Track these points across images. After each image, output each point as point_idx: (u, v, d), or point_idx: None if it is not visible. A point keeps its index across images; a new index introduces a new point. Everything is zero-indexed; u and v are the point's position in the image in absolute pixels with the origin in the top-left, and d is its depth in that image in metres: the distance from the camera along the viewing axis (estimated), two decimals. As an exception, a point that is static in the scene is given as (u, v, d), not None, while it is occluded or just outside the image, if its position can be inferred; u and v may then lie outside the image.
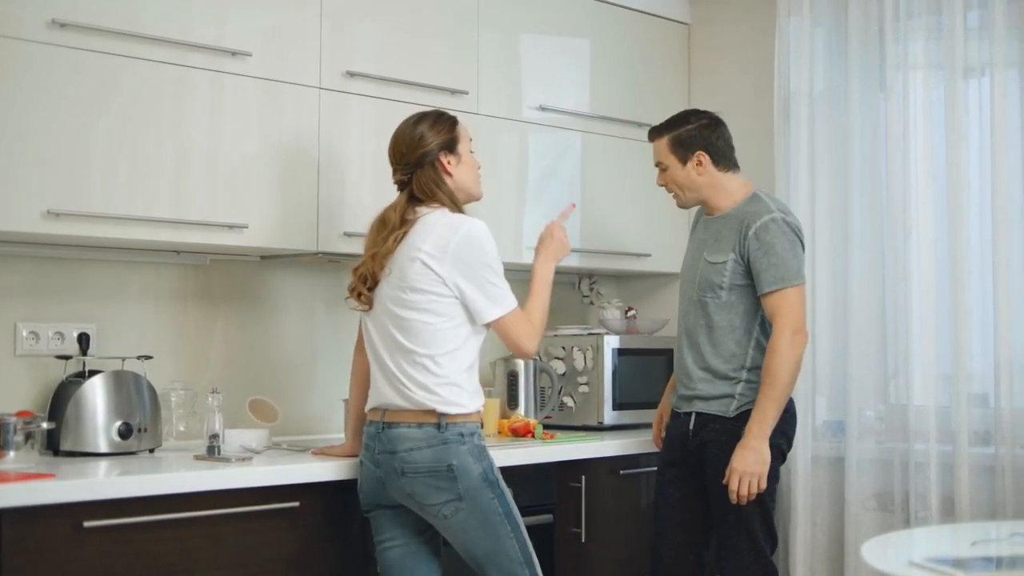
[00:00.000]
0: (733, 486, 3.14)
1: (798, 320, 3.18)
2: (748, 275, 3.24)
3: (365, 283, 2.90)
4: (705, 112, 3.40)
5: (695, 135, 3.32)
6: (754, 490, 3.14)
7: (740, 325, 3.26)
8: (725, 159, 3.35)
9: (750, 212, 3.26)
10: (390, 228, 2.89)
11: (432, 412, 2.82)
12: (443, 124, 2.95)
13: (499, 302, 2.87)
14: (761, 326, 3.28)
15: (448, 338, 2.85)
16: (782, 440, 3.29)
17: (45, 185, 2.88)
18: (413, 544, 2.94)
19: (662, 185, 3.42)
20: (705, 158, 3.31)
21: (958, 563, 2.24)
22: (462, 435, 2.84)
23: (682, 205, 3.44)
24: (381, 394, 2.90)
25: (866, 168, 3.76)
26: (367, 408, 2.97)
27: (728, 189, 3.33)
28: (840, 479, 3.74)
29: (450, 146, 2.94)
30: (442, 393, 2.84)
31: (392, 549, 2.93)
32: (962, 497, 3.48)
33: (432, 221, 2.87)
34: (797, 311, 3.19)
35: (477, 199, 3.03)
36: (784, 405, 3.18)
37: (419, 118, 2.97)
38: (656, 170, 3.42)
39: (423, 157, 2.91)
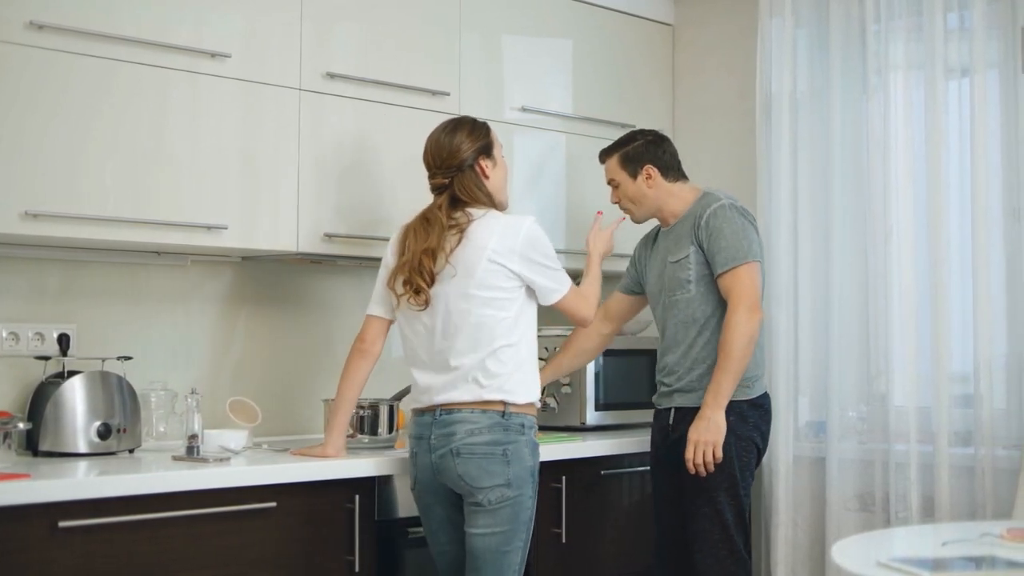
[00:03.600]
0: (689, 455, 3.24)
1: (752, 297, 3.28)
2: (709, 264, 3.36)
3: (423, 277, 2.95)
4: (650, 131, 3.58)
5: (642, 151, 3.49)
6: (709, 458, 3.23)
7: (713, 316, 3.35)
8: (673, 171, 3.51)
9: (701, 205, 3.41)
10: (439, 227, 2.98)
11: (499, 401, 2.94)
12: (479, 130, 3.10)
13: (562, 283, 3.09)
14: None
15: (514, 330, 2.99)
16: (755, 434, 3.36)
17: (23, 186, 2.89)
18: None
19: (616, 203, 3.56)
20: (654, 171, 3.47)
21: (925, 563, 2.25)
22: (523, 426, 2.97)
23: (636, 220, 3.58)
24: (432, 392, 2.96)
25: (847, 168, 3.77)
26: (412, 407, 3.04)
27: (679, 196, 3.48)
28: (821, 479, 3.75)
29: (487, 151, 3.08)
30: (512, 382, 2.96)
31: (449, 552, 3.03)
32: (942, 497, 3.48)
33: (490, 222, 3.00)
34: (750, 288, 3.29)
35: (506, 202, 3.16)
36: (739, 378, 3.27)
37: (455, 126, 3.10)
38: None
39: (463, 162, 3.03)
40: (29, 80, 2.90)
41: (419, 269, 2.96)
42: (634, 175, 3.48)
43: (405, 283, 2.98)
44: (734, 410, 3.30)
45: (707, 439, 3.23)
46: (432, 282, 2.96)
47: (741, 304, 3.25)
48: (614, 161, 3.52)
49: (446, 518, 3.02)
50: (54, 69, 2.93)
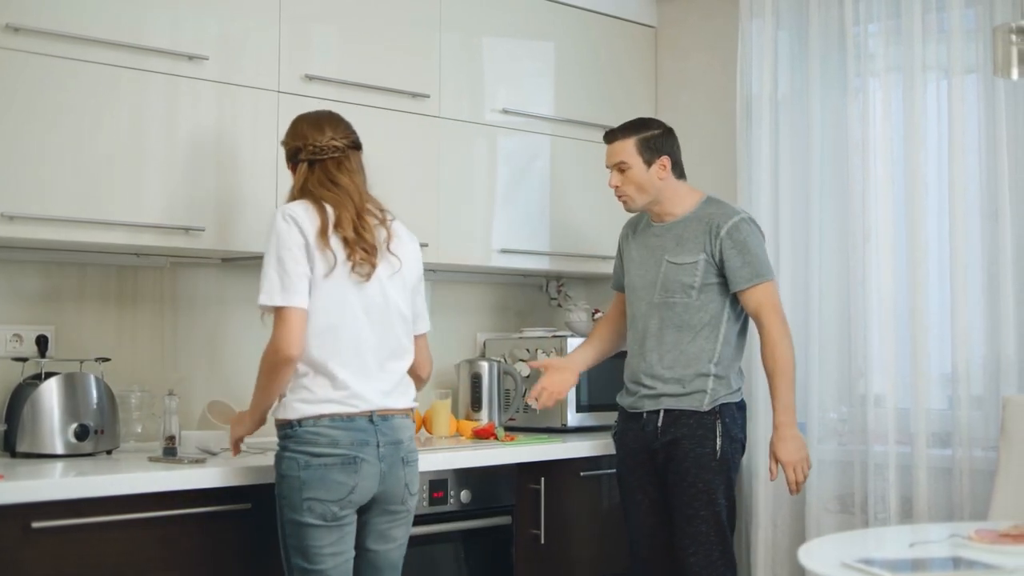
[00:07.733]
0: (790, 476, 3.32)
1: (782, 311, 3.37)
2: (719, 274, 3.34)
3: (370, 235, 2.79)
4: (660, 121, 3.53)
5: (661, 140, 3.44)
6: (807, 471, 3.35)
7: (710, 323, 3.35)
8: (679, 167, 3.48)
9: (715, 214, 3.37)
10: (357, 191, 2.83)
11: (413, 408, 2.94)
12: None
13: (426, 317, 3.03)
14: (728, 323, 3.37)
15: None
16: (742, 435, 3.41)
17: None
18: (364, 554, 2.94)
19: (616, 186, 3.45)
20: (668, 163, 3.43)
21: (890, 564, 2.25)
22: None
23: (632, 209, 3.50)
24: (367, 397, 2.78)
25: (827, 170, 3.78)
26: (329, 412, 2.75)
27: (681, 195, 3.46)
28: (802, 481, 3.76)
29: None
30: (414, 391, 2.97)
31: (349, 562, 2.84)
32: (920, 499, 3.49)
33: (401, 225, 2.94)
34: (779, 303, 3.37)
35: None
36: (794, 387, 3.37)
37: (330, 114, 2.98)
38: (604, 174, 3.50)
39: (335, 150, 2.90)
40: (5, 82, 2.90)
41: (364, 226, 2.77)
42: (649, 163, 3.40)
43: (348, 242, 2.75)
44: (728, 412, 3.33)
45: (800, 456, 3.32)
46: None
47: (777, 319, 3.33)
48: (631, 144, 3.41)
49: (365, 525, 2.85)
50: (31, 72, 2.94)
